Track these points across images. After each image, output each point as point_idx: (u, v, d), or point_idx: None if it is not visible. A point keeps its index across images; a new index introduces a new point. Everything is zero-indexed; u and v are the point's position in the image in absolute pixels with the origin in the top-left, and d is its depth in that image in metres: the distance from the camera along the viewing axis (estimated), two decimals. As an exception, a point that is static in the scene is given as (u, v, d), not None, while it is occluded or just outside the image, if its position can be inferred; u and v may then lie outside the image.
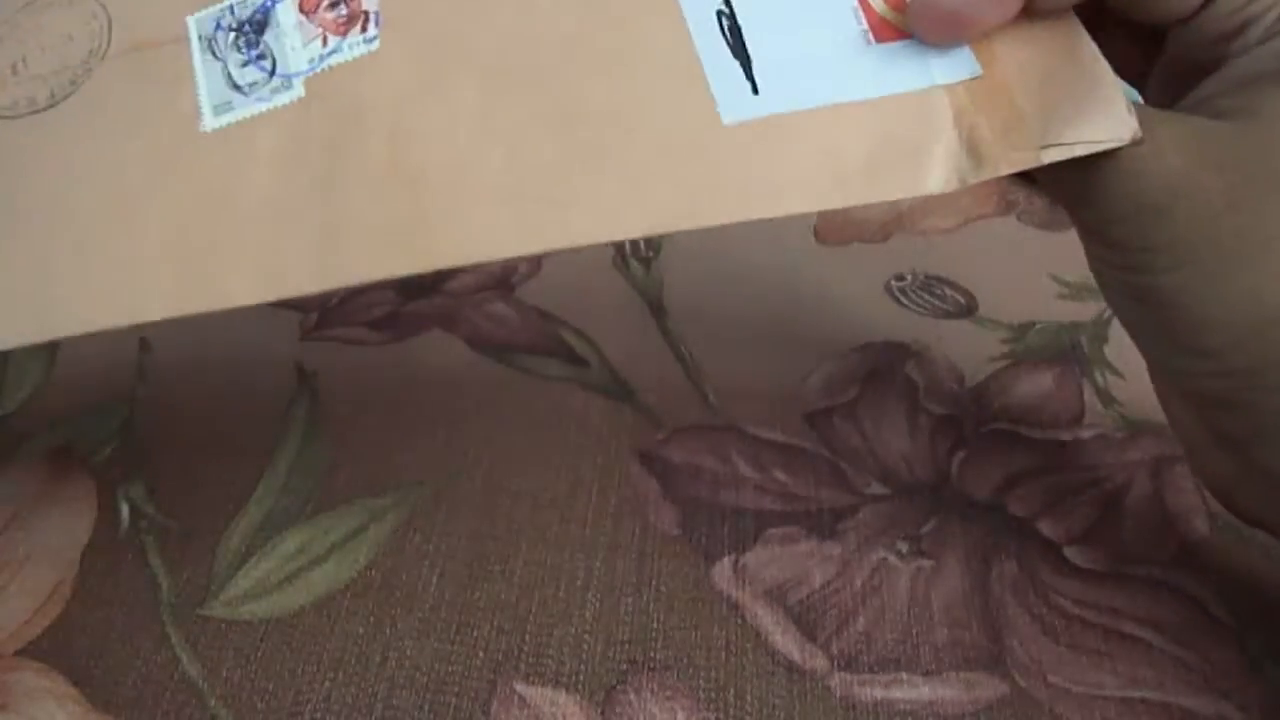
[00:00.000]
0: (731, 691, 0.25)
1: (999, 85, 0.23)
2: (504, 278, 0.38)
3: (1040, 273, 0.39)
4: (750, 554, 0.28)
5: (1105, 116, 0.23)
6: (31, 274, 0.24)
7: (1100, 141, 0.22)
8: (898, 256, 0.40)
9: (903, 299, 0.38)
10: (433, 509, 0.30)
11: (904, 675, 0.25)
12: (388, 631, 0.26)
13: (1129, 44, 0.23)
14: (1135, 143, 0.20)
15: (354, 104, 0.24)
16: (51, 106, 0.24)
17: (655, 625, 0.26)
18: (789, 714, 0.25)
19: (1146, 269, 0.20)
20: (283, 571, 0.28)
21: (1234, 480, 0.23)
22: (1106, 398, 0.33)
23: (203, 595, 0.27)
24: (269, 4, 0.24)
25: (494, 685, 0.25)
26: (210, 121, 0.24)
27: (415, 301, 0.37)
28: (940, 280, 0.39)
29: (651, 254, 0.40)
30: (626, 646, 0.26)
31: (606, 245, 0.40)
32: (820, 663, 0.26)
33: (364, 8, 0.24)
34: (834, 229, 0.41)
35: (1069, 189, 0.21)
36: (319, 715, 0.25)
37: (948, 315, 0.37)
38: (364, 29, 0.24)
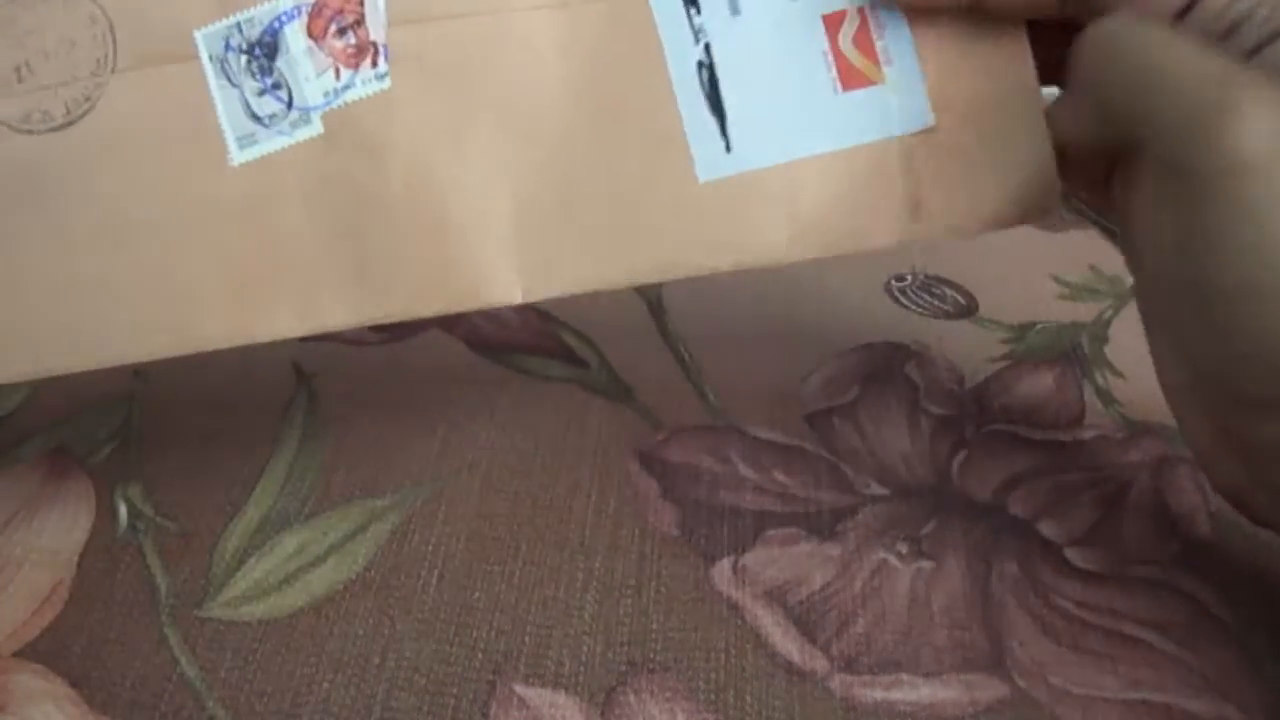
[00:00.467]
0: (731, 693, 0.25)
1: (949, 145, 0.25)
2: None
3: (1041, 273, 0.39)
4: (750, 555, 0.28)
5: (1040, 198, 0.25)
6: (81, 301, 0.25)
7: (1028, 222, 0.25)
8: (898, 257, 0.40)
9: (903, 299, 0.38)
10: (432, 509, 0.29)
11: (904, 676, 0.25)
12: (386, 632, 0.26)
13: None
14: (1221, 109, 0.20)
15: (372, 144, 0.25)
16: (69, 124, 0.24)
17: (655, 626, 0.26)
18: (789, 715, 0.24)
19: (1228, 237, 0.20)
20: (281, 572, 0.28)
21: (1245, 485, 0.23)
22: (1107, 398, 0.33)
23: (201, 596, 0.27)
24: (277, 25, 0.24)
25: (493, 686, 0.25)
26: (237, 155, 0.25)
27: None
28: (940, 280, 0.39)
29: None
30: (626, 647, 0.26)
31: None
32: (820, 664, 0.26)
33: (371, 38, 0.25)
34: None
35: (1169, 136, 0.21)
36: (318, 716, 0.25)
37: (948, 315, 0.37)
38: (374, 63, 0.25)
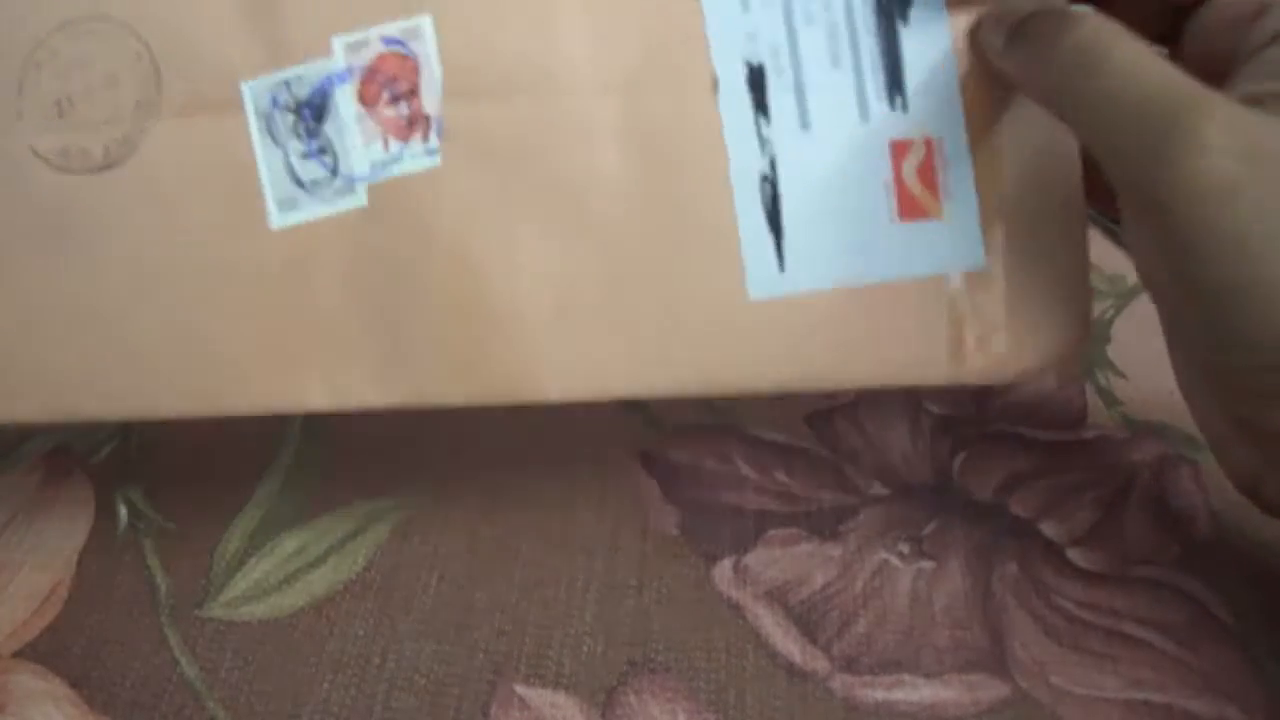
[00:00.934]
0: (732, 693, 0.25)
1: (994, 289, 0.25)
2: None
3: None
4: (751, 555, 0.28)
5: (1070, 354, 0.25)
6: (104, 349, 0.24)
7: (1053, 377, 0.26)
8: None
9: (904, 299, 0.38)
10: (432, 510, 0.29)
11: (905, 677, 0.25)
12: (387, 633, 0.26)
13: (1144, 30, 0.23)
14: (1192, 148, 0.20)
15: (416, 223, 0.24)
16: (107, 167, 0.24)
17: (656, 626, 0.26)
18: (790, 715, 0.24)
19: (1205, 257, 0.20)
20: (281, 573, 0.28)
21: (1260, 473, 0.23)
22: (1109, 398, 0.33)
23: (201, 596, 0.27)
24: (327, 86, 0.24)
25: (494, 687, 0.25)
26: (277, 219, 0.24)
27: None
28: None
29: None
30: (626, 647, 0.26)
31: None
32: (821, 664, 0.25)
33: (425, 111, 0.24)
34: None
35: (1134, 174, 0.21)
36: (318, 717, 0.25)
37: (949, 315, 0.37)
38: (425, 137, 0.24)
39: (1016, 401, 0.33)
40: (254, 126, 0.24)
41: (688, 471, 0.30)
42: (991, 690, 0.25)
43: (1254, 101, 0.21)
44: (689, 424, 0.32)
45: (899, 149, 0.24)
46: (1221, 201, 0.19)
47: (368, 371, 0.24)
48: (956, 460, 0.31)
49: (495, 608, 0.27)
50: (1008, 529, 0.29)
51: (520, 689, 0.25)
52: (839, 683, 0.25)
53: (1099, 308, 0.37)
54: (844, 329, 0.25)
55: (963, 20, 0.24)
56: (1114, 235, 0.38)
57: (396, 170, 0.24)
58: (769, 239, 0.24)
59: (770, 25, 0.24)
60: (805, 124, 0.24)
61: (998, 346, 0.25)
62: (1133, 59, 0.20)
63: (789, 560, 0.28)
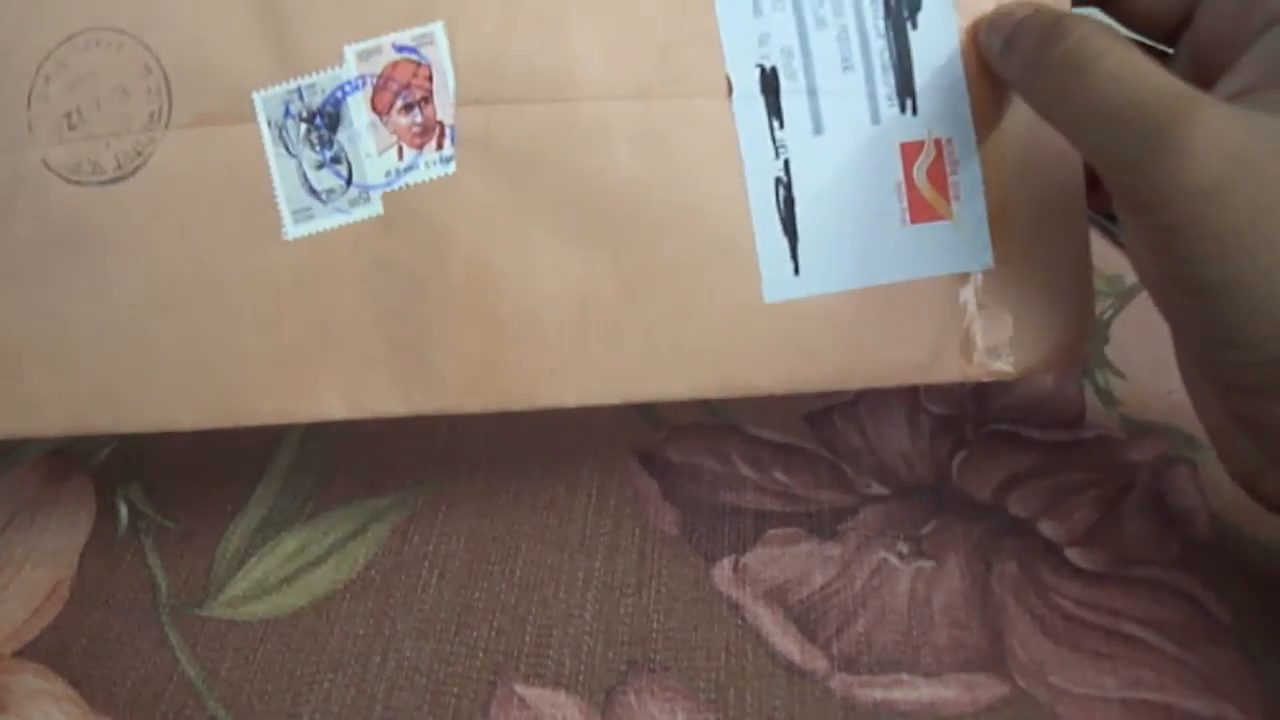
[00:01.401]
0: (731, 692, 0.25)
1: (1002, 283, 0.25)
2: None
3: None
4: (750, 554, 0.28)
5: (1075, 346, 0.26)
6: (119, 361, 0.24)
7: (1062, 369, 0.26)
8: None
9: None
10: (432, 509, 0.29)
11: (904, 676, 0.25)
12: (387, 632, 0.26)
13: (1159, 19, 0.23)
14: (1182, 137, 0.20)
15: (432, 232, 0.24)
16: (119, 179, 0.24)
17: (655, 626, 0.26)
18: (789, 715, 0.24)
19: (1196, 258, 0.20)
20: (282, 572, 0.28)
21: (1260, 468, 0.24)
22: (1107, 398, 0.33)
23: (202, 596, 0.27)
24: (340, 94, 0.23)
25: (494, 686, 0.25)
26: (292, 229, 0.24)
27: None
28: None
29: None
30: (626, 647, 0.26)
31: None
32: (821, 664, 0.26)
33: (438, 118, 0.24)
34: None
35: (1126, 178, 0.21)
36: (318, 716, 0.25)
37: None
38: (439, 145, 0.24)
39: (1016, 401, 0.33)
40: (267, 136, 0.24)
41: (687, 471, 0.30)
42: (990, 690, 0.25)
43: (1249, 93, 0.21)
44: (689, 424, 0.32)
45: (910, 150, 0.25)
46: (1209, 202, 0.19)
47: (386, 380, 0.24)
48: (956, 460, 0.31)
49: (495, 607, 0.27)
50: (1007, 528, 0.29)
51: (520, 688, 0.25)
52: (838, 682, 0.25)
53: (1098, 308, 0.37)
54: (857, 330, 0.25)
55: (970, 22, 0.24)
56: (1112, 235, 0.38)
57: (411, 178, 0.24)
58: (784, 243, 0.25)
59: (782, 29, 0.24)
60: (818, 127, 0.24)
61: (1006, 344, 0.25)
62: (1121, 65, 0.21)
63: (788, 560, 0.28)
